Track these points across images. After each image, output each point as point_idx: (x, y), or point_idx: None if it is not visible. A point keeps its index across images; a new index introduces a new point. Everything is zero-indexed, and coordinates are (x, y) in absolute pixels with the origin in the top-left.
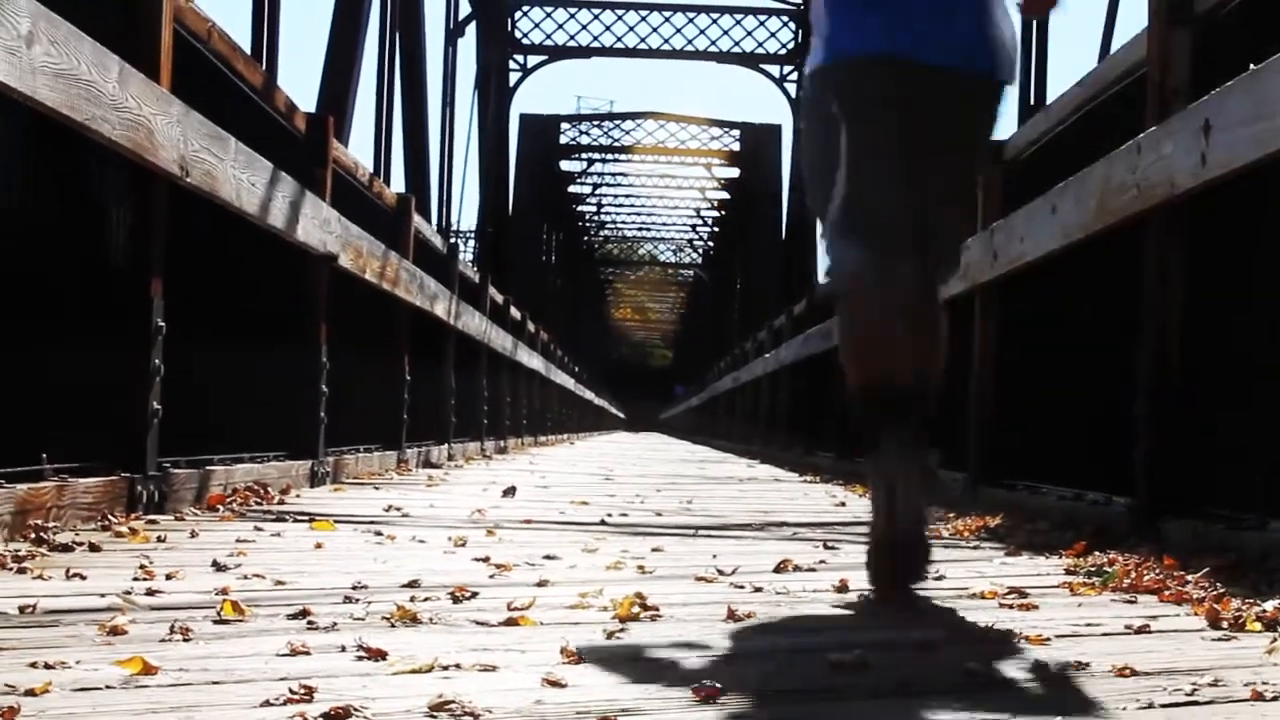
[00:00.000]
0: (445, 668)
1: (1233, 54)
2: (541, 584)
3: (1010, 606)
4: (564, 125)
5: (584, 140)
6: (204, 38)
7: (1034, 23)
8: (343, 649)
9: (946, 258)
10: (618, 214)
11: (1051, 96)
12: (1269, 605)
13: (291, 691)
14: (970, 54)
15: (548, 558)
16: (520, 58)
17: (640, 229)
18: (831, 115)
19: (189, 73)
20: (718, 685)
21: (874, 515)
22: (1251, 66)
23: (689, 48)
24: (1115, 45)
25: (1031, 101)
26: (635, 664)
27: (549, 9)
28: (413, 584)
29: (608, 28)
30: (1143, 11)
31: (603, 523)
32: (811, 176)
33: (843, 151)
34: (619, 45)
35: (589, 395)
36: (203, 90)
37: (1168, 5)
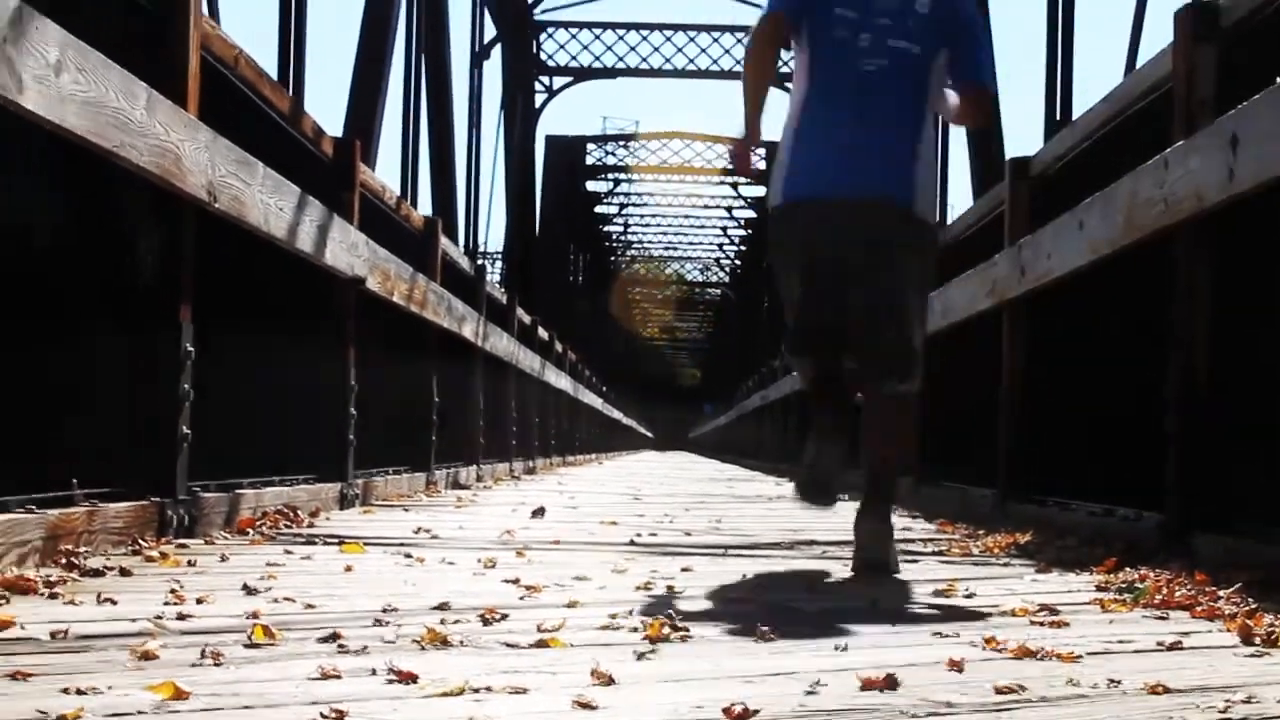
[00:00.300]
0: (476, 690)
1: (1259, 68)
2: (571, 605)
3: (1042, 624)
4: (590, 146)
5: (610, 160)
6: (231, 64)
7: (1059, 39)
8: (373, 672)
9: (890, 351)
10: (644, 233)
11: (1078, 112)
12: None
13: (322, 715)
14: (891, 185)
15: (577, 578)
16: (545, 79)
17: (667, 248)
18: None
19: (216, 99)
20: (749, 706)
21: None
22: (1278, 80)
23: (714, 67)
24: (1141, 60)
25: (1058, 117)
26: (666, 685)
27: (574, 31)
28: (442, 606)
29: (632, 48)
30: (1169, 27)
31: (632, 543)
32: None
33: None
34: (644, 65)
35: (617, 414)
36: (230, 116)
37: (1193, 20)
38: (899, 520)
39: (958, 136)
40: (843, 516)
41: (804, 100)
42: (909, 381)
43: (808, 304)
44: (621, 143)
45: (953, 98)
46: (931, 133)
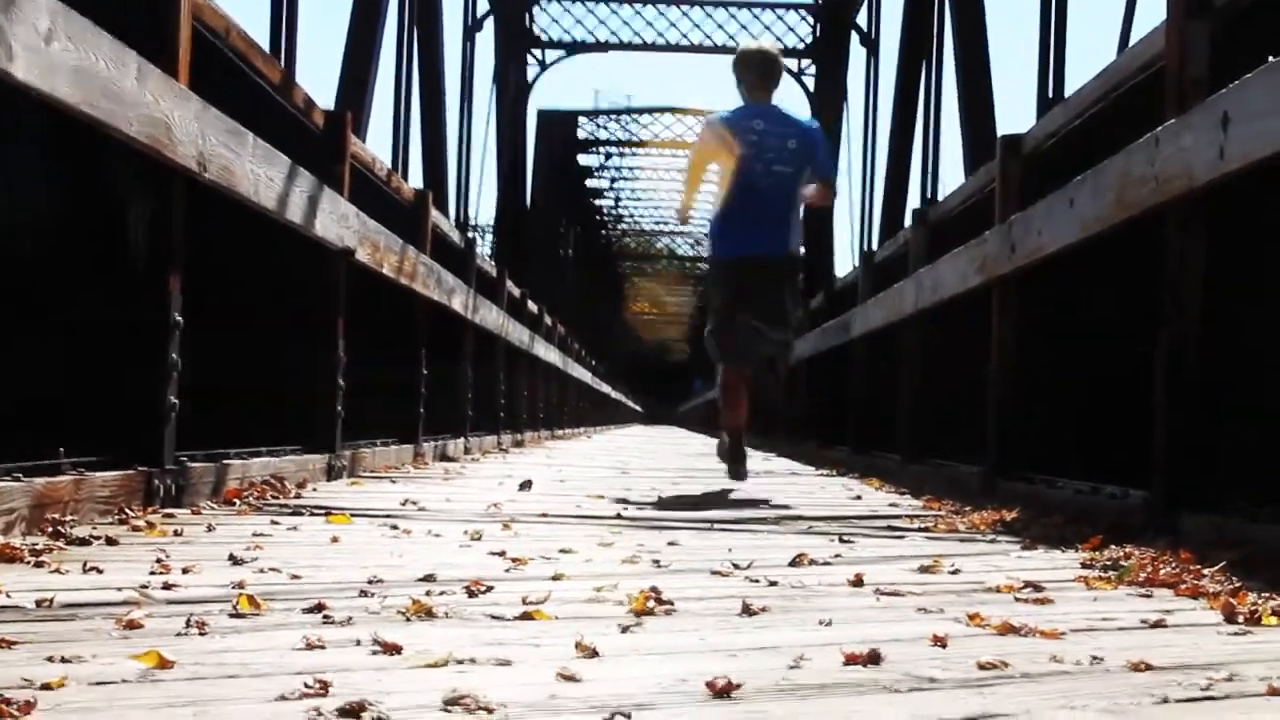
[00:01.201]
0: (460, 662)
1: (1252, 46)
2: (557, 578)
3: (1026, 601)
4: (581, 120)
5: (602, 135)
6: (222, 34)
7: (1051, 16)
8: (358, 643)
9: (775, 359)
10: (635, 208)
11: (1070, 89)
12: None
13: (307, 685)
14: (779, 246)
15: (563, 551)
16: (538, 53)
17: (658, 223)
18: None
19: (207, 69)
20: (732, 679)
21: (732, 456)
22: (1270, 59)
23: (707, 42)
24: (1134, 37)
25: (1050, 94)
26: (650, 658)
27: (567, 4)
28: (428, 578)
29: (625, 22)
30: (1161, 3)
31: (618, 516)
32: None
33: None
34: (637, 40)
35: (606, 389)
36: (221, 87)
37: None
38: (886, 496)
39: (950, 114)
40: (830, 493)
41: (726, 199)
42: (787, 361)
43: (724, 309)
44: (613, 117)
45: (811, 189)
46: (799, 215)
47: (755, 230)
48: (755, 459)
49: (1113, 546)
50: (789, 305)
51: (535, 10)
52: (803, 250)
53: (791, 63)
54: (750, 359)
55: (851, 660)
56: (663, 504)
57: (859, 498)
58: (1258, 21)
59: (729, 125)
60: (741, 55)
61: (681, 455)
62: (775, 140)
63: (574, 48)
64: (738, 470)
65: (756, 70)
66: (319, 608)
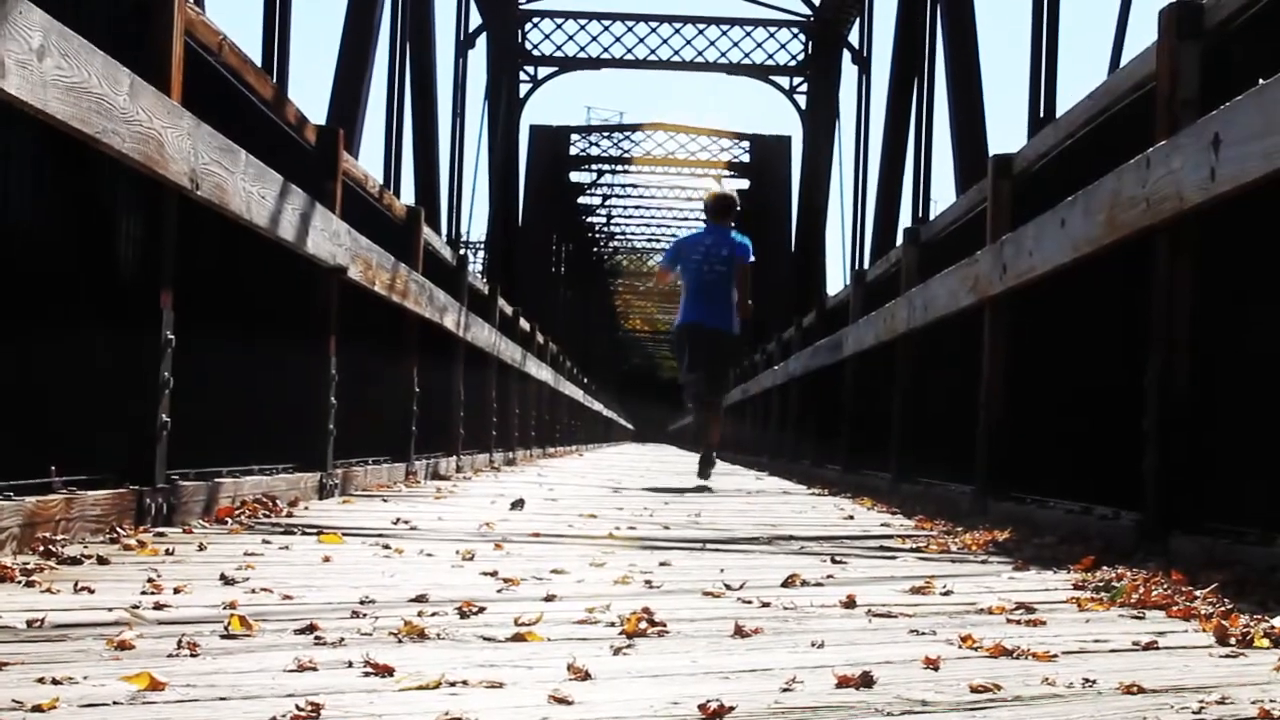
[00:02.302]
0: (452, 684)
1: (1243, 68)
2: (549, 599)
3: (1018, 622)
4: (574, 136)
5: (594, 151)
6: (215, 50)
7: (1043, 36)
8: (350, 665)
9: (717, 394)
10: (627, 225)
11: (1061, 109)
12: (1277, 621)
13: (298, 708)
14: (723, 323)
15: (555, 572)
16: (530, 69)
17: (650, 240)
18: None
19: (200, 85)
20: (724, 702)
21: (701, 460)
22: (1261, 81)
23: (699, 59)
24: (1125, 58)
25: (1041, 114)
26: (642, 680)
27: (559, 20)
28: (420, 598)
29: (618, 39)
30: (1153, 24)
31: (611, 536)
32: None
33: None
34: (629, 57)
35: (598, 407)
36: (214, 103)
37: (1177, 19)
38: (878, 516)
39: (942, 133)
40: (821, 513)
41: (685, 290)
42: (722, 402)
43: (689, 362)
44: (605, 133)
45: (735, 296)
46: (732, 301)
47: (704, 306)
48: (748, 478)
49: (1105, 567)
50: (727, 378)
51: (528, 26)
52: (739, 331)
53: (783, 80)
54: (704, 400)
55: (844, 683)
56: (655, 523)
57: (851, 517)
58: (1248, 43)
59: (688, 242)
60: (708, 198)
61: (673, 474)
62: (714, 252)
63: (566, 64)
64: (705, 473)
65: (713, 209)
66: (311, 628)
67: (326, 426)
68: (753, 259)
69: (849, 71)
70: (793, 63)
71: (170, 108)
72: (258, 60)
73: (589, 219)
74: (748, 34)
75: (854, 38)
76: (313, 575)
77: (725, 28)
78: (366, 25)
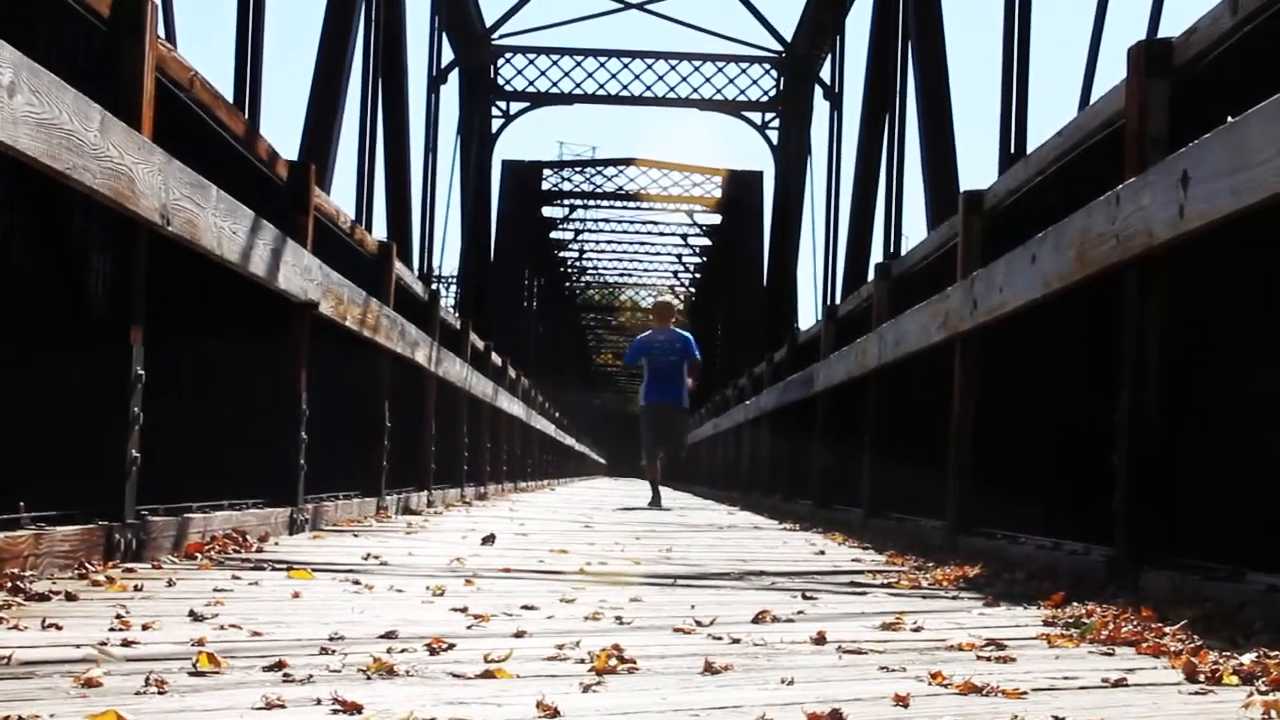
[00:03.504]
0: None
1: (1211, 105)
2: (519, 635)
3: (988, 659)
4: (546, 171)
5: (566, 186)
6: (186, 86)
7: (1013, 73)
8: (318, 702)
9: (676, 451)
10: (600, 259)
11: (1031, 146)
12: (1245, 659)
13: None
14: (676, 399)
15: (526, 608)
16: (502, 104)
17: (622, 275)
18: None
19: (171, 121)
20: None
21: (653, 497)
22: (1229, 118)
23: (671, 95)
24: (1095, 95)
25: (1011, 150)
26: (612, 718)
27: (532, 56)
28: (390, 634)
29: (590, 75)
30: (1122, 62)
31: (581, 571)
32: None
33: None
34: (601, 92)
35: (570, 441)
36: (185, 138)
37: (1146, 56)
38: (849, 551)
39: (913, 169)
40: (793, 548)
41: (647, 375)
42: (681, 456)
43: (649, 434)
44: (578, 169)
45: (687, 373)
46: (684, 383)
47: (663, 388)
48: (720, 512)
49: (1075, 604)
50: (683, 437)
51: (500, 62)
52: (688, 404)
53: (755, 116)
54: (659, 457)
55: None
56: (626, 559)
57: (822, 553)
58: (1217, 81)
59: (647, 340)
60: (654, 306)
61: (644, 510)
62: (668, 346)
63: (538, 99)
64: (656, 502)
65: (659, 314)
66: (279, 665)
67: (297, 461)
68: (698, 354)
69: (821, 107)
70: (765, 98)
71: (141, 143)
72: (229, 96)
73: (561, 253)
74: (719, 70)
75: (825, 74)
76: (282, 611)
77: (697, 64)
78: (339, 61)
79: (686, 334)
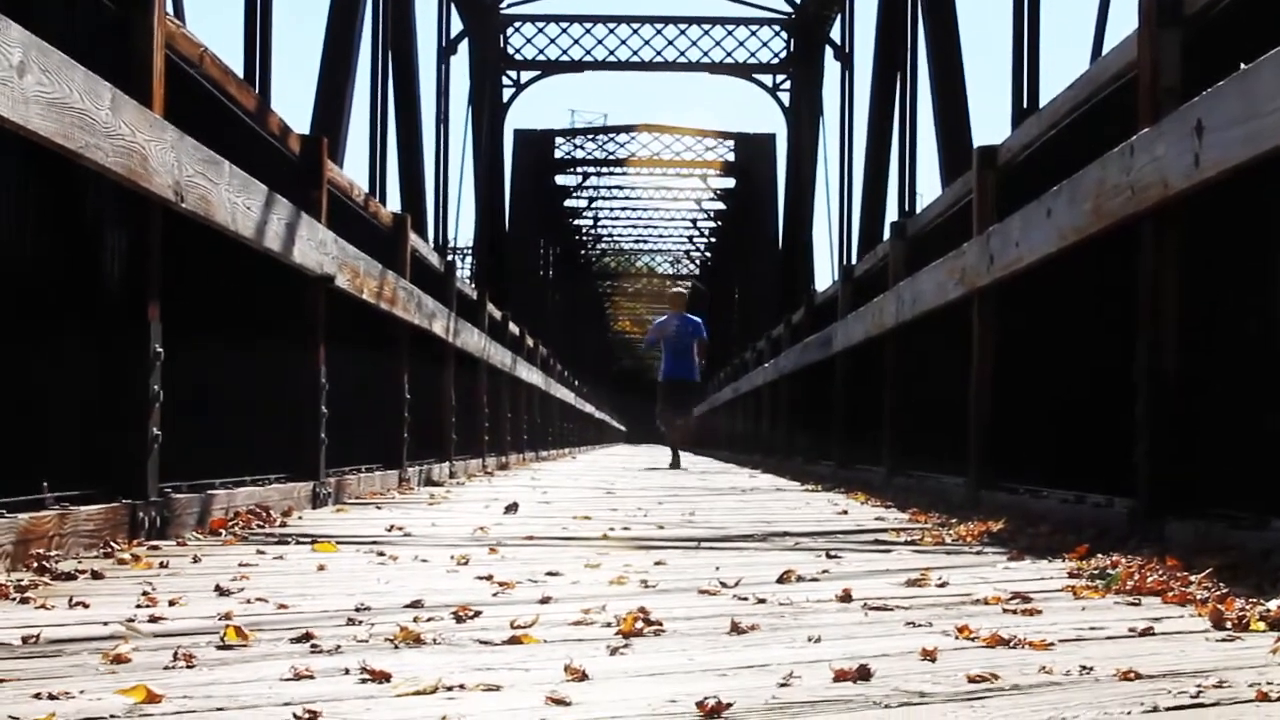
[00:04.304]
0: (449, 689)
1: (1224, 54)
2: (545, 601)
3: (1014, 612)
4: (558, 139)
5: (578, 154)
6: (196, 63)
7: (1024, 27)
8: (346, 672)
9: (687, 419)
10: (614, 226)
11: (1044, 100)
12: (1272, 605)
13: (295, 716)
14: (689, 374)
15: (550, 574)
16: (513, 73)
17: (637, 241)
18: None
19: (182, 98)
20: (721, 699)
21: (673, 460)
22: (1242, 65)
23: (681, 59)
24: (1107, 47)
25: (1024, 105)
26: (639, 679)
27: (541, 24)
28: (416, 604)
29: (599, 41)
30: (1134, 13)
31: (605, 537)
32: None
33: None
34: (611, 59)
35: (589, 409)
36: (196, 115)
37: (1158, 6)
38: (872, 510)
39: (926, 127)
40: (815, 509)
41: (665, 354)
42: (690, 416)
43: (665, 405)
44: (590, 136)
45: (698, 352)
46: (695, 360)
47: (678, 365)
48: (741, 476)
49: (1099, 555)
50: (691, 405)
51: (509, 31)
52: (699, 378)
53: (766, 78)
54: (674, 422)
55: (841, 677)
56: (649, 523)
57: (845, 512)
58: (1228, 30)
59: (665, 323)
60: (670, 296)
61: (666, 474)
62: (682, 328)
63: (549, 67)
64: (676, 463)
65: (673, 302)
66: (306, 637)
67: (318, 435)
68: (706, 335)
69: (831, 68)
70: (775, 60)
71: (153, 121)
72: (239, 71)
73: (576, 221)
74: (729, 33)
75: (835, 34)
76: (307, 584)
77: (707, 27)
78: (348, 34)
79: (697, 319)
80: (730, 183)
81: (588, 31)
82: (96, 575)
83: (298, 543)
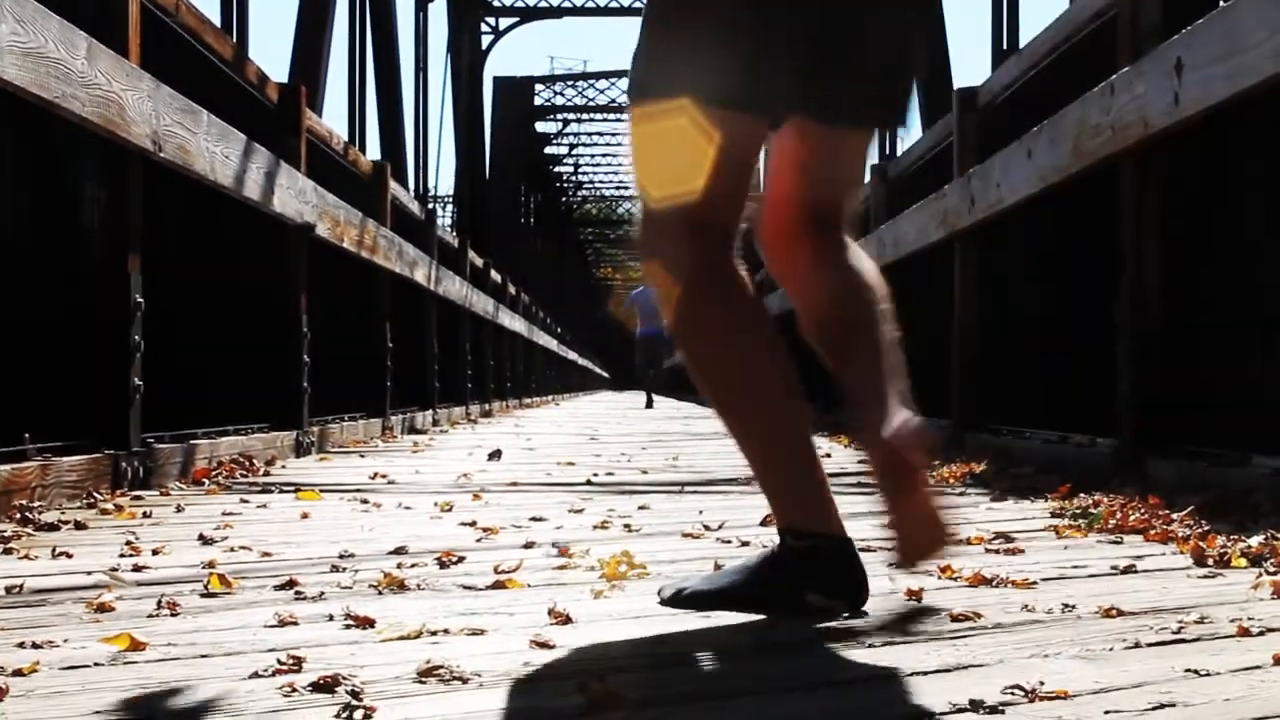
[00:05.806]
0: (433, 633)
1: None
2: (528, 546)
3: (997, 551)
4: (538, 87)
5: (559, 101)
6: (172, 11)
7: None
8: (330, 618)
9: (659, 369)
10: (595, 174)
11: (1024, 40)
12: (1253, 541)
13: (280, 662)
14: (660, 333)
15: (534, 519)
16: (492, 20)
17: (618, 188)
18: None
19: (158, 47)
20: (706, 642)
21: (647, 401)
22: (1222, 3)
23: None
24: None
25: (1004, 46)
26: (623, 622)
27: None
28: (399, 550)
29: None
30: None
31: (589, 482)
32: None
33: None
34: (590, 4)
35: (573, 356)
36: (173, 64)
37: None
38: (855, 453)
39: None
40: None
41: (640, 316)
42: (661, 371)
43: (641, 357)
44: (570, 83)
45: None
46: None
47: (650, 324)
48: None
49: (1082, 495)
50: (663, 358)
51: None
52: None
53: None
54: (648, 373)
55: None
56: (633, 468)
57: (828, 455)
58: None
59: (636, 295)
60: None
61: (650, 419)
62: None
63: (528, 13)
64: (650, 404)
65: None
66: (290, 584)
67: (301, 384)
68: None
69: None
70: None
71: (129, 70)
72: (216, 20)
73: (556, 169)
74: None
75: None
76: (291, 532)
77: None
78: None
79: None
80: None
81: None
82: (80, 526)
83: (281, 491)
